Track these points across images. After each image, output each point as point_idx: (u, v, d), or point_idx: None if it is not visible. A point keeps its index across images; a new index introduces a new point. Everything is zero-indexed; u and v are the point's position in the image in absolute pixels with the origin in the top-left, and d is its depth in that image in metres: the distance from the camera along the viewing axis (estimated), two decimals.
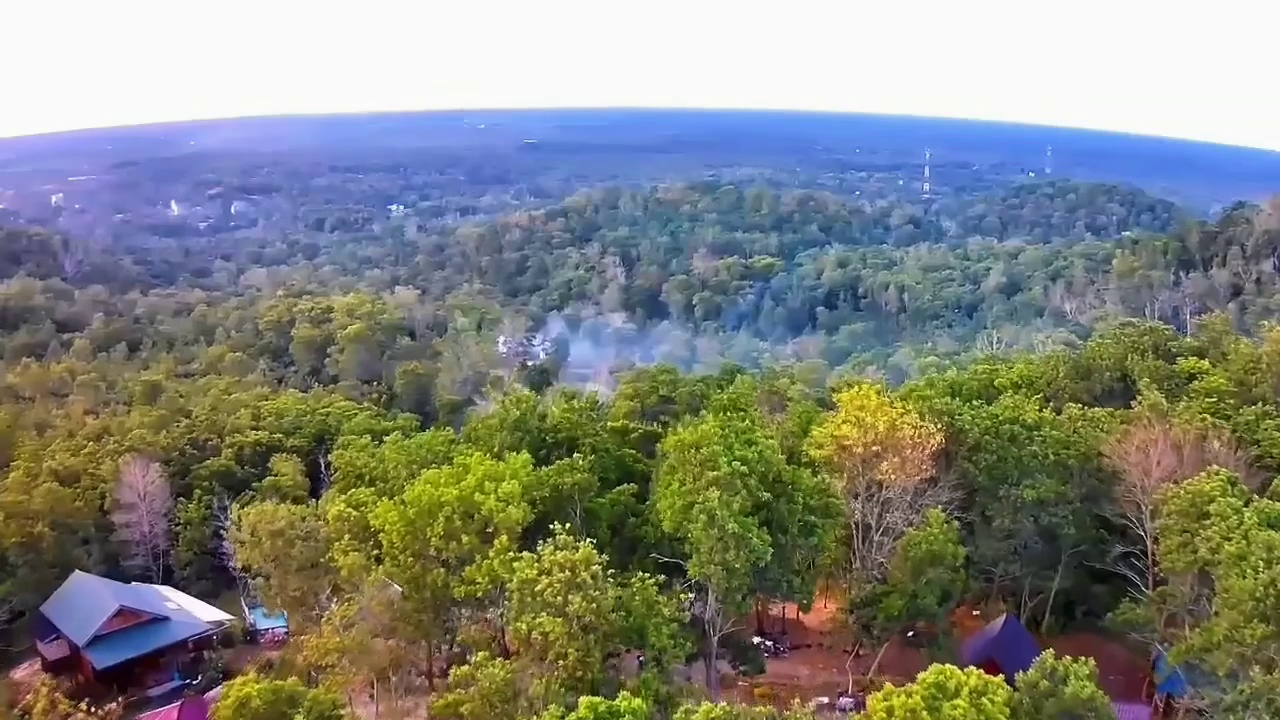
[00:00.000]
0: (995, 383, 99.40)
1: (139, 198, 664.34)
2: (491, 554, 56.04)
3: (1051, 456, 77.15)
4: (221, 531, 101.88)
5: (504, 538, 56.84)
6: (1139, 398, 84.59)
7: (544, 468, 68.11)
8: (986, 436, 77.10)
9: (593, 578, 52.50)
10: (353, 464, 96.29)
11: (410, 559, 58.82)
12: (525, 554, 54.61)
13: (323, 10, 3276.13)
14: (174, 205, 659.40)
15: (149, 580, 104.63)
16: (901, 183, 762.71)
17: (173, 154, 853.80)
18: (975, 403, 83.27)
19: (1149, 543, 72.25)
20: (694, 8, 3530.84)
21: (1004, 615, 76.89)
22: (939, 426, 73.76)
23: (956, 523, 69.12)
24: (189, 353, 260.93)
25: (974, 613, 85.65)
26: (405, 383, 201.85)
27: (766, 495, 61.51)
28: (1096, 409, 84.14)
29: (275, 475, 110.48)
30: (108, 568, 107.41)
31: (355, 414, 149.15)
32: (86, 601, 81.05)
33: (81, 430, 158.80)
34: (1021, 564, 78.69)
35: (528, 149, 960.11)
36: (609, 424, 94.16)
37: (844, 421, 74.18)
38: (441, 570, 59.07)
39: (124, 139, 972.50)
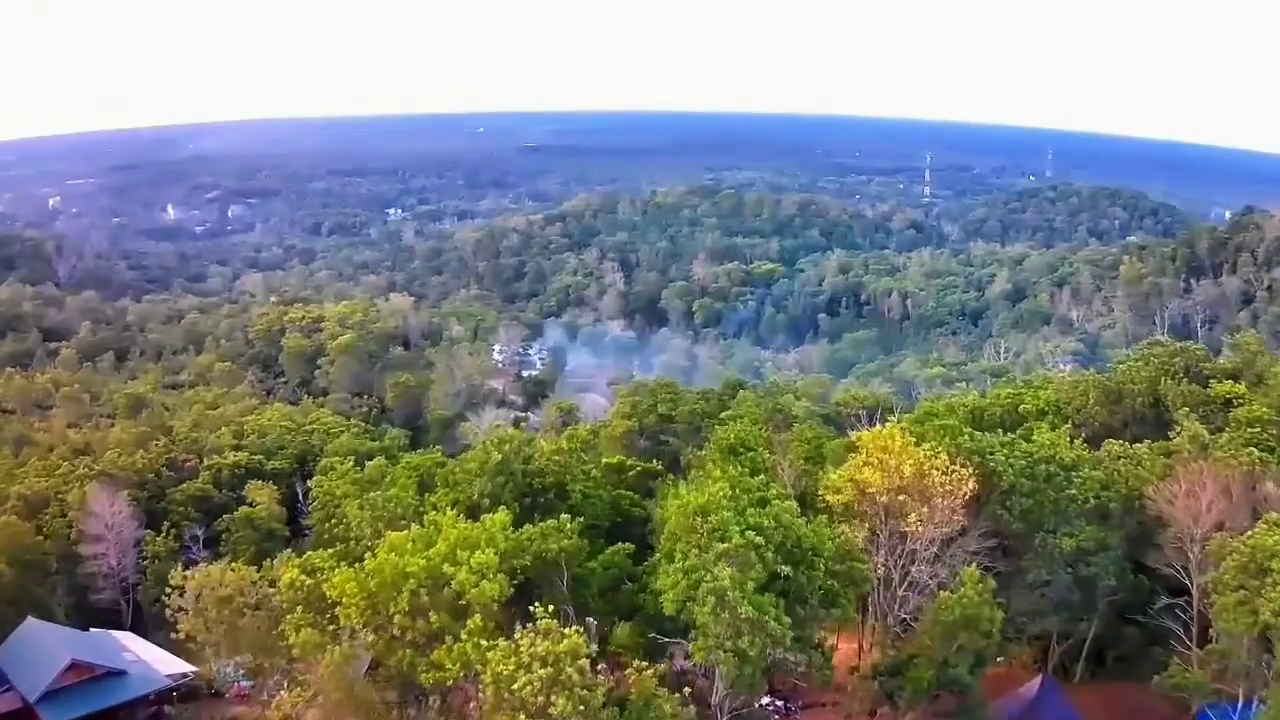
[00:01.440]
0: (1020, 409, 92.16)
1: (136, 201, 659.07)
2: (464, 635, 48.82)
3: (1091, 501, 70.08)
4: (194, 560, 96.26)
5: (477, 617, 49.32)
6: (1179, 428, 78.65)
7: (526, 528, 60.37)
8: (1021, 479, 69.93)
9: (580, 672, 45.65)
10: (331, 493, 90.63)
11: (371, 637, 51.84)
12: (501, 642, 47.48)
13: (323, 13, 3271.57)
14: (170, 209, 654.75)
15: (118, 617, 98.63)
16: (902, 186, 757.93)
17: (172, 157, 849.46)
18: (1000, 433, 76.33)
19: (1195, 593, 65.89)
20: (692, 11, 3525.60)
21: (1039, 676, 69.91)
22: (971, 471, 66.69)
23: (992, 580, 62.48)
24: (177, 362, 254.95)
25: (998, 659, 79.15)
26: (396, 395, 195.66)
27: (786, 569, 54.30)
28: (1138, 446, 77.26)
29: (250, 505, 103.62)
30: (76, 600, 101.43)
31: (340, 432, 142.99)
32: (38, 653, 74.79)
33: (60, 447, 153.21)
34: (1054, 612, 72.01)
35: (527, 152, 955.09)
36: (603, 458, 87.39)
37: (865, 464, 67.30)
38: (407, 651, 50.98)
39: (124, 142, 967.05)
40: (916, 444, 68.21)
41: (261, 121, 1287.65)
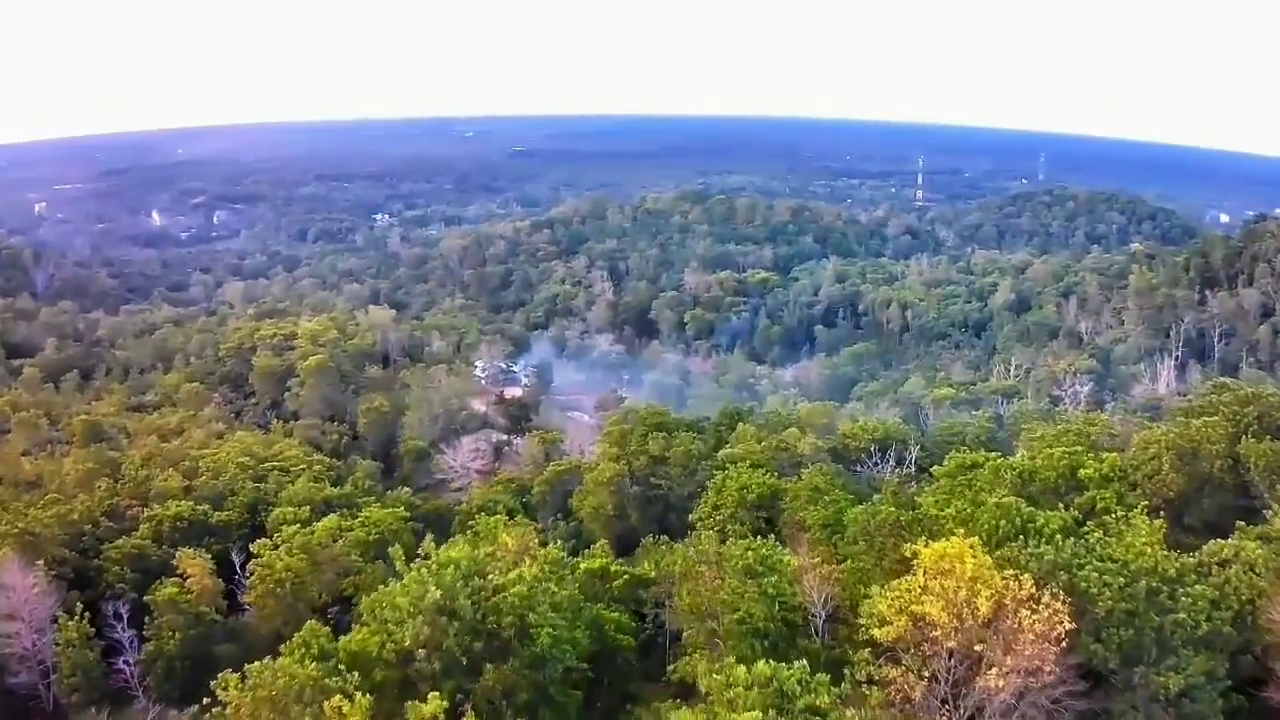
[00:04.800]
0: (1079, 473, 77.88)
1: (122, 207, 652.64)
2: None
3: (1203, 626, 55.05)
4: (117, 644, 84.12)
5: None
6: (1273, 509, 66.84)
7: None
8: (1119, 604, 54.84)
9: None
10: (271, 567, 78.87)
11: None
12: None
13: (315, 18, 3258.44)
14: (156, 215, 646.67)
15: (39, 702, 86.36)
16: (894, 190, 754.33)
17: (161, 161, 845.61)
18: (1061, 507, 64.20)
19: None
20: (683, 14, 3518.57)
21: None
22: (1064, 602, 51.25)
23: None
24: (144, 381, 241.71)
25: None
26: (369, 422, 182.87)
27: None
28: (1247, 542, 63.98)
29: (180, 578, 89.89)
30: None
31: (301, 471, 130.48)
32: None
33: (5, 483, 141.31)
34: None
35: (516, 156, 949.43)
36: (585, 564, 74.46)
37: (925, 591, 52.18)
38: None
39: (114, 146, 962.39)
40: (989, 550, 53.37)
41: (251, 126, 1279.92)
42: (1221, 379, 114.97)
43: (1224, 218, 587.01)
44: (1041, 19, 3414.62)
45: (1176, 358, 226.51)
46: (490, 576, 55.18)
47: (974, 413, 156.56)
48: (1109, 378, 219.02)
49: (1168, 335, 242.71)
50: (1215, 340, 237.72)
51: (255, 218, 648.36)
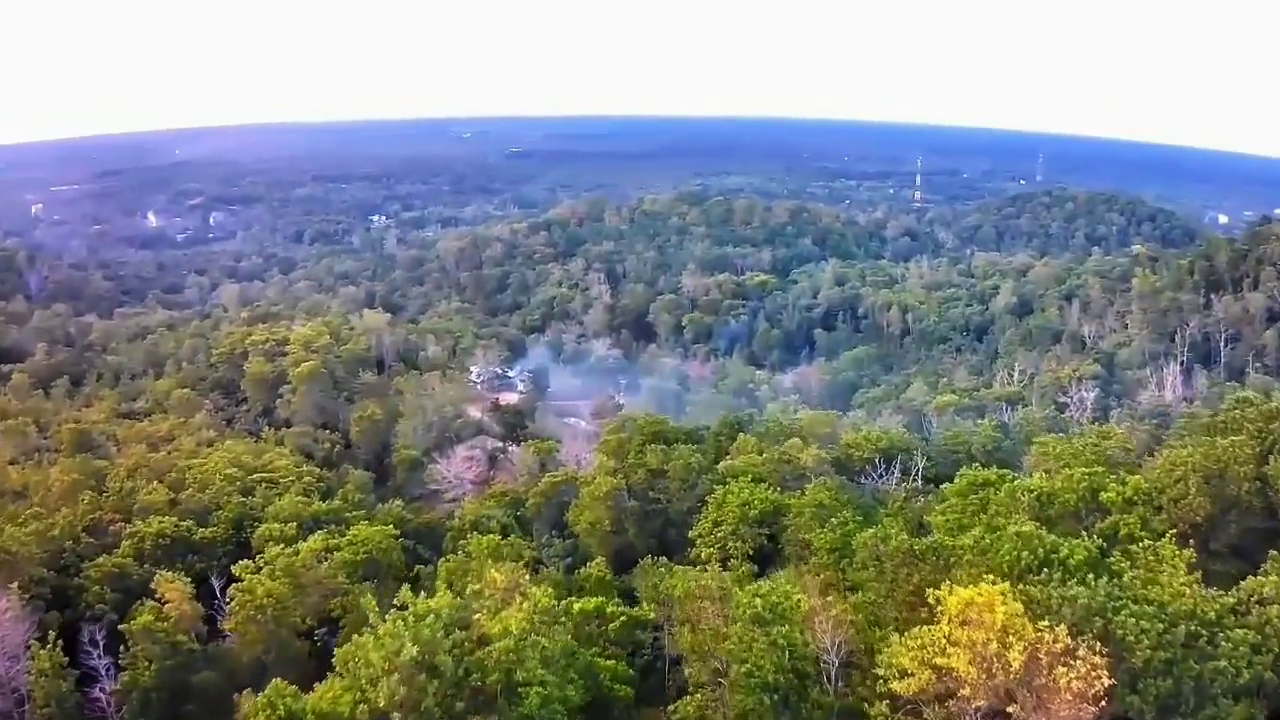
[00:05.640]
0: (1101, 497, 73.68)
1: (119, 208, 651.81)
2: None
3: (1245, 674, 51.19)
4: (93, 671, 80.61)
5: None
6: None
7: None
8: (1158, 653, 50.94)
9: None
10: (252, 592, 75.44)
11: None
12: None
13: (312, 18, 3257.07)
14: (153, 216, 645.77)
15: None
16: (892, 191, 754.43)
17: (158, 162, 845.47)
18: (1084, 535, 60.97)
19: None
20: (681, 15, 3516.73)
21: None
22: (1101, 654, 46.85)
23: None
24: (135, 387, 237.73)
25: None
26: (361, 430, 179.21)
27: None
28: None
29: (157, 602, 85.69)
30: None
31: (289, 483, 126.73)
32: None
33: None
34: None
35: (513, 157, 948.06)
36: (579, 605, 70.10)
37: (949, 642, 47.89)
38: None
39: (113, 147, 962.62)
40: (1012, 584, 49.44)
41: (248, 126, 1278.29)
42: (1244, 393, 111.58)
43: (1223, 218, 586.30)
44: (1040, 19, 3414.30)
45: (1182, 363, 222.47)
46: (476, 621, 50.89)
47: (979, 421, 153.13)
48: (1114, 383, 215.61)
49: (1173, 339, 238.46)
50: (1221, 345, 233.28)
51: (252, 219, 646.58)
